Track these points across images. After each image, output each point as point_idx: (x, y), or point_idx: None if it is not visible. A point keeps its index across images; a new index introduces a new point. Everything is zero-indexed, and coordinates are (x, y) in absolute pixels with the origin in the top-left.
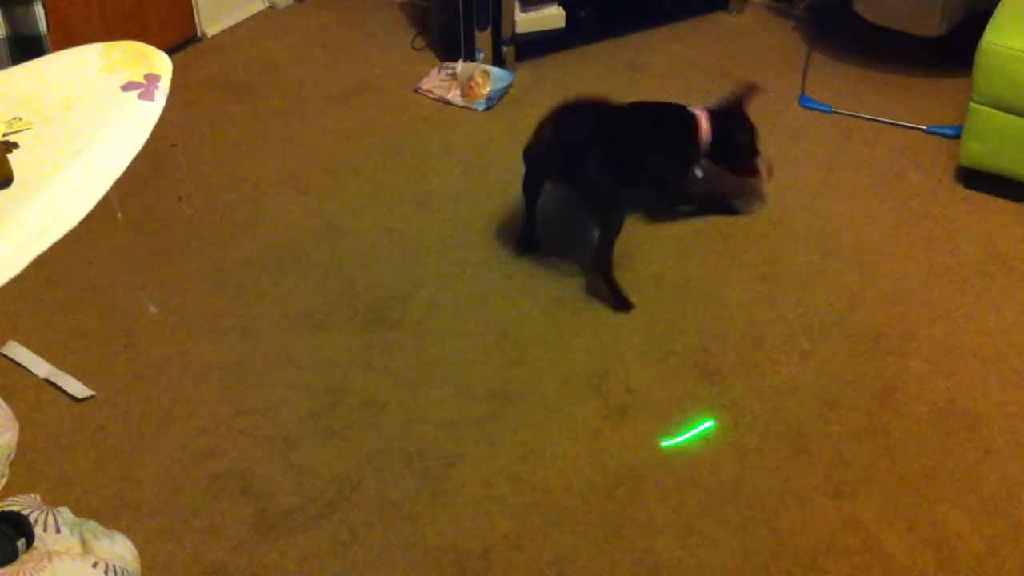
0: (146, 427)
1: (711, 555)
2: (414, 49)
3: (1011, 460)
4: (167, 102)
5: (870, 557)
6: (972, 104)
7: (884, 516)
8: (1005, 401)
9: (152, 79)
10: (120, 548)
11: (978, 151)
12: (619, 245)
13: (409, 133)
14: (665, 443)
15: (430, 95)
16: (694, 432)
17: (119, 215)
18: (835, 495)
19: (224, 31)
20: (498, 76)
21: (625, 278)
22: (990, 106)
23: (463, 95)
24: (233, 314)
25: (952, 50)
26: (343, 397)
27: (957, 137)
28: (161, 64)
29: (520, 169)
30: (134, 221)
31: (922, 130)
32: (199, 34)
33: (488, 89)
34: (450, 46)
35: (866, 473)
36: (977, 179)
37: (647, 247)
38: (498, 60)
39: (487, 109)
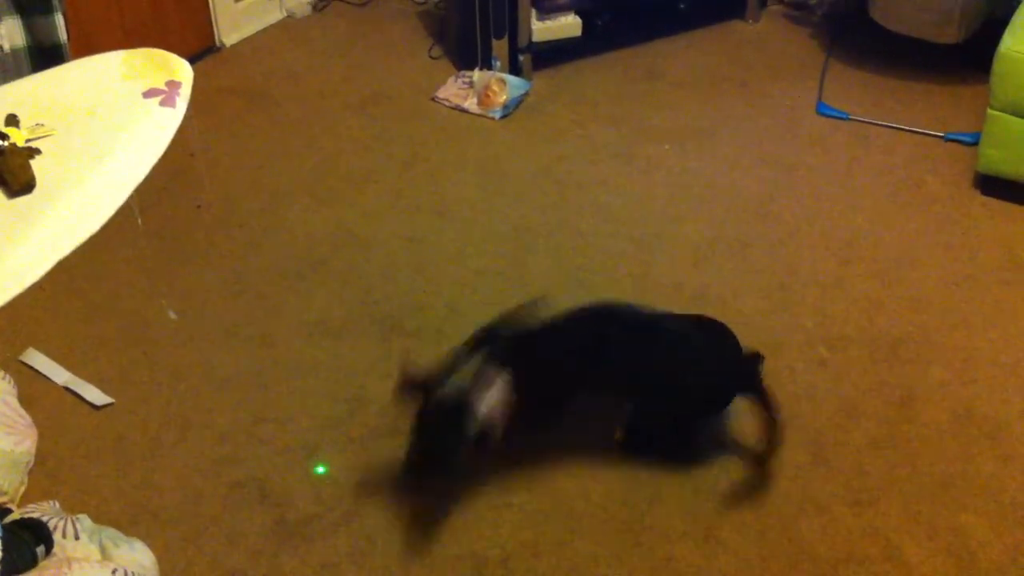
0: (165, 435)
1: (730, 563)
2: (431, 58)
3: None
4: (187, 111)
5: (890, 566)
6: (990, 111)
7: (904, 524)
8: None
9: (173, 86)
10: (139, 555)
11: (996, 158)
12: (633, 260)
13: (426, 141)
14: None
15: (447, 104)
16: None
17: (139, 222)
18: (854, 503)
19: (242, 41)
20: (515, 84)
21: (644, 286)
22: (1008, 112)
23: (480, 103)
24: (252, 322)
25: (970, 57)
26: (361, 405)
27: (975, 144)
28: (182, 71)
29: (536, 178)
30: (153, 229)
31: (940, 137)
32: (218, 44)
33: (505, 97)
34: (467, 55)
35: (885, 481)
36: (996, 186)
37: (665, 255)
38: (515, 69)
39: (504, 117)
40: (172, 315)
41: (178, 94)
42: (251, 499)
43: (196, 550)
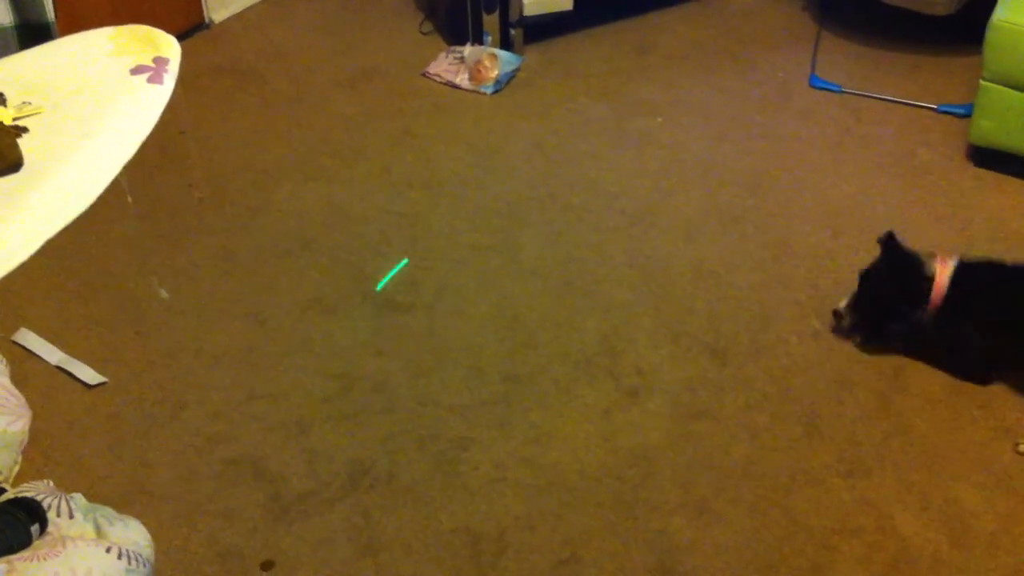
0: (159, 413)
1: (724, 535)
2: (422, 33)
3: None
4: (176, 88)
5: (883, 536)
6: (982, 82)
7: (897, 495)
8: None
9: (161, 62)
10: (134, 533)
11: (988, 129)
12: (625, 234)
13: (417, 118)
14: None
15: (438, 79)
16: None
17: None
18: (847, 475)
19: (231, 17)
20: (506, 59)
21: (633, 258)
22: (1000, 84)
23: (471, 79)
24: (244, 300)
25: (962, 28)
26: (355, 382)
27: (968, 116)
28: (170, 47)
29: (527, 152)
30: (144, 208)
31: (932, 109)
32: (206, 21)
33: (496, 72)
34: (458, 30)
35: (878, 452)
36: (987, 157)
37: (657, 230)
38: (506, 43)
39: (495, 92)
40: (163, 294)
41: (166, 71)
42: (245, 476)
43: (191, 527)
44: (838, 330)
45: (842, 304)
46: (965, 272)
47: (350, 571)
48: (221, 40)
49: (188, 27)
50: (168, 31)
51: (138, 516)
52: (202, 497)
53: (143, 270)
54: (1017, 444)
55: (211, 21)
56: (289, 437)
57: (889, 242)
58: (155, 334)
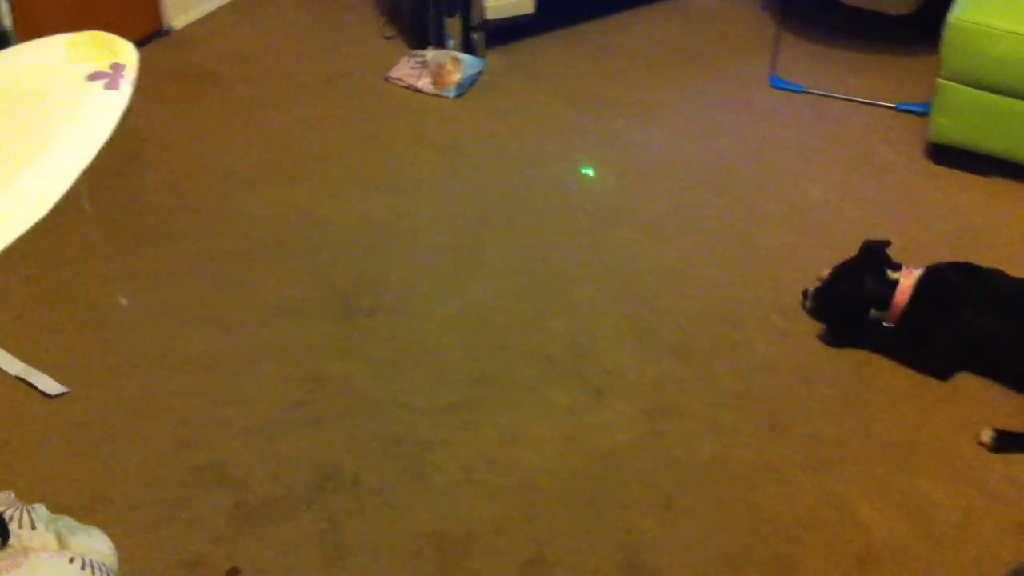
0: (122, 421)
1: (691, 532)
2: (384, 38)
3: (985, 431)
4: (137, 94)
5: (847, 529)
6: (940, 80)
7: (861, 489)
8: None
9: (118, 68)
10: (97, 542)
11: (947, 127)
12: (590, 235)
13: (381, 122)
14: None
15: (400, 84)
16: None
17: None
18: (812, 469)
19: (191, 24)
20: (469, 63)
21: (599, 258)
22: (958, 81)
23: (434, 83)
24: (207, 306)
25: (921, 27)
26: (320, 385)
27: (926, 114)
28: (127, 53)
29: (492, 155)
30: (107, 214)
31: (892, 108)
32: (166, 27)
33: (459, 76)
34: (420, 34)
35: (842, 447)
36: (947, 155)
37: (622, 229)
38: (468, 47)
39: (458, 96)
40: (123, 302)
41: (123, 76)
42: (211, 483)
43: (155, 536)
44: (803, 307)
45: (812, 287)
46: (931, 281)
47: None
48: (181, 46)
49: (147, 33)
50: (127, 38)
51: (102, 525)
52: (167, 505)
53: (105, 278)
54: (978, 435)
55: (171, 27)
56: (254, 443)
57: (870, 245)
58: (117, 342)
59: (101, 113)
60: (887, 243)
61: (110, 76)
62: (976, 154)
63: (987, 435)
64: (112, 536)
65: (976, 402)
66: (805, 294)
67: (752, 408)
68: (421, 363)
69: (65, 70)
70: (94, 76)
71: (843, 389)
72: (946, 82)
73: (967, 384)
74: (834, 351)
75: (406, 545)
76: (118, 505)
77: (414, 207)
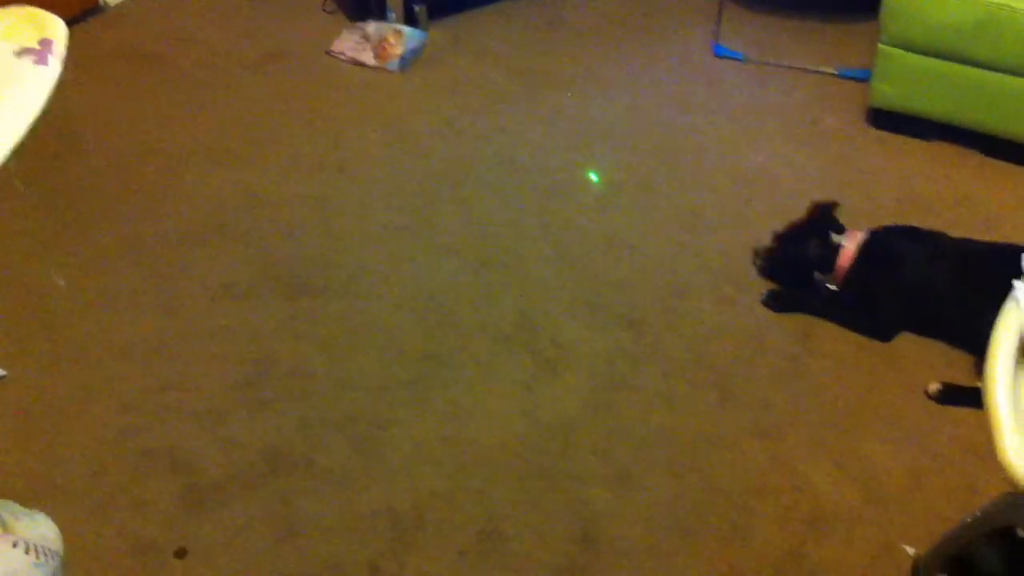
0: (68, 407)
1: (644, 502)
2: (325, 11)
3: (932, 383)
4: (73, 74)
5: (799, 495)
6: (881, 46)
7: (811, 455)
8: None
9: (46, 44)
10: (41, 527)
11: (888, 92)
12: (539, 209)
13: (325, 98)
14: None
15: (343, 57)
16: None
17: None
18: (762, 436)
19: (128, 0)
20: (411, 35)
21: (549, 232)
22: (898, 47)
23: (376, 56)
24: (153, 289)
25: None
26: (270, 367)
27: (866, 80)
28: (55, 28)
29: (438, 130)
30: (47, 197)
31: (834, 75)
32: (101, 3)
33: (401, 49)
34: (361, 6)
35: (792, 414)
36: (888, 120)
37: (571, 203)
38: (411, 19)
39: (402, 70)
40: (60, 282)
41: (51, 52)
42: (160, 467)
43: (103, 521)
44: (753, 265)
45: (763, 244)
46: (873, 243)
47: (269, 557)
48: (118, 24)
49: (81, 10)
50: (60, 15)
51: (49, 512)
52: (115, 490)
53: (46, 261)
54: (926, 387)
55: (106, 4)
56: (204, 426)
57: (819, 207)
58: (61, 326)
59: (30, 90)
60: (835, 204)
61: (38, 52)
62: (917, 119)
63: (934, 387)
64: (59, 522)
65: (920, 364)
66: (756, 252)
67: (702, 378)
68: (373, 342)
69: None
70: (23, 53)
71: (791, 357)
72: (886, 48)
73: (912, 348)
74: (782, 319)
75: (359, 522)
76: (65, 490)
77: (361, 184)
